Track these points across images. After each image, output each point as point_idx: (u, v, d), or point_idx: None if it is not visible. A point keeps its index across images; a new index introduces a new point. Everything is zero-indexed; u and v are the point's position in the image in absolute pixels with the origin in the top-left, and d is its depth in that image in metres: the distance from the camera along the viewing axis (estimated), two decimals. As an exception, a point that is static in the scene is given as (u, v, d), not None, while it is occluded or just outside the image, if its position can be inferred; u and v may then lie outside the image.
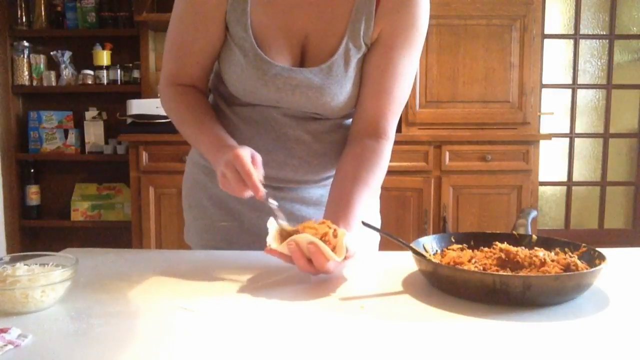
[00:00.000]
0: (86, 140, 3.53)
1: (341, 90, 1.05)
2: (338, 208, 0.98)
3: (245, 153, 0.92)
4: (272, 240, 0.86)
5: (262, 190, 0.90)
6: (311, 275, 0.89)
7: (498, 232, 0.97)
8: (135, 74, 3.47)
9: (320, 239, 0.84)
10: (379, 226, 1.25)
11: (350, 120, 1.13)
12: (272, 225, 0.89)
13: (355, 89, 1.07)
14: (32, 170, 3.59)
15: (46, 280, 0.75)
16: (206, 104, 1.10)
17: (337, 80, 1.04)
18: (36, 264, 0.81)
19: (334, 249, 0.84)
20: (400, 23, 1.03)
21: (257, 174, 0.91)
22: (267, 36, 1.03)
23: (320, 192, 1.14)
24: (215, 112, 1.11)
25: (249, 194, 0.92)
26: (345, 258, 0.87)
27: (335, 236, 0.86)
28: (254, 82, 1.04)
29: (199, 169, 1.19)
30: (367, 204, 1.02)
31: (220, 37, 1.05)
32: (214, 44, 1.06)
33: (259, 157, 0.94)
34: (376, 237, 1.21)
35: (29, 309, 0.74)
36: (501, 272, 0.84)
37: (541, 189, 3.93)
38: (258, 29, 1.03)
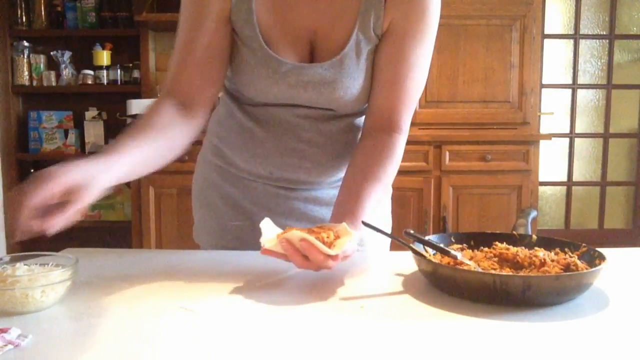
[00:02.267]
0: (86, 140, 3.53)
1: (354, 83, 1.04)
2: (347, 202, 0.97)
3: (60, 179, 0.74)
4: (265, 240, 0.85)
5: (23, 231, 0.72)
6: (311, 272, 0.88)
7: (498, 232, 0.97)
8: (135, 74, 3.48)
9: (317, 237, 0.82)
10: (390, 227, 1.24)
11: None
12: (267, 225, 0.88)
13: (368, 82, 1.06)
14: (32, 170, 3.59)
15: (46, 280, 0.75)
16: (161, 133, 0.97)
17: (349, 73, 1.03)
18: (36, 264, 0.81)
19: (330, 246, 0.82)
20: (411, 12, 1.01)
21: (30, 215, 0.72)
22: (274, 34, 1.02)
23: (334, 192, 1.12)
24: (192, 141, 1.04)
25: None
26: (343, 258, 0.85)
27: (337, 237, 0.85)
28: (264, 81, 1.03)
29: (210, 168, 1.18)
30: (378, 198, 1.00)
31: (223, 37, 1.03)
32: (217, 45, 1.03)
33: (82, 194, 0.76)
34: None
35: (29, 309, 0.74)
36: (501, 272, 0.84)
37: (541, 189, 3.93)
38: (265, 27, 1.02)
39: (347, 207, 0.96)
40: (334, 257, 0.82)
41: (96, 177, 0.78)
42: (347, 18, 1.02)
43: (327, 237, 0.83)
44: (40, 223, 0.72)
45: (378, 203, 1.01)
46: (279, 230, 0.87)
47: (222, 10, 1.02)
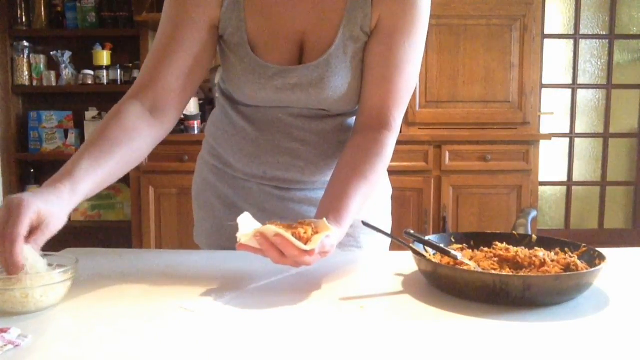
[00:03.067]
0: (86, 140, 3.53)
1: (342, 83, 1.03)
2: (332, 199, 0.96)
3: (34, 207, 0.75)
4: (241, 235, 0.82)
5: (19, 265, 0.72)
6: (311, 272, 0.88)
7: (498, 232, 0.97)
8: (135, 74, 3.47)
9: (293, 232, 0.81)
10: (389, 227, 1.24)
11: None
12: (246, 220, 0.85)
13: (359, 81, 1.05)
14: (32, 170, 3.59)
15: (46, 280, 0.75)
16: (125, 146, 0.94)
17: (336, 72, 1.02)
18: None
19: (307, 241, 0.81)
20: (399, 7, 1.00)
21: (23, 244, 0.74)
22: (263, 39, 1.02)
23: None
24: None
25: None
26: (322, 254, 0.83)
27: (315, 232, 0.83)
28: (252, 86, 1.03)
29: (208, 168, 1.18)
30: (364, 195, 0.99)
31: (204, 43, 1.02)
32: (197, 49, 1.01)
33: (51, 225, 0.78)
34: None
35: (29, 309, 0.74)
36: (501, 272, 0.84)
37: (541, 189, 3.93)
38: (254, 33, 1.02)
39: (331, 204, 0.94)
40: (310, 253, 0.80)
41: (60, 213, 0.80)
42: (333, 17, 1.01)
43: (305, 233, 0.82)
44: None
45: (365, 200, 0.99)
46: (258, 226, 0.84)
47: (211, 18, 1.01)
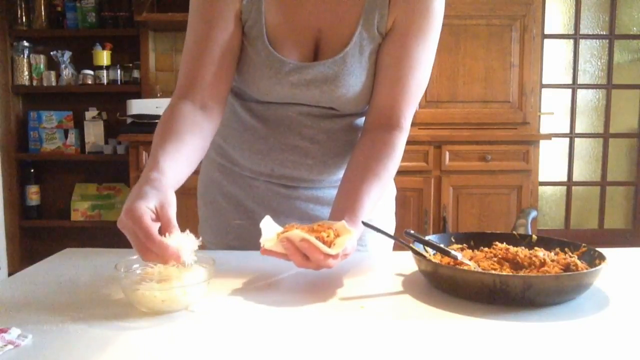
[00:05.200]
0: (86, 140, 3.54)
1: (356, 82, 1.04)
2: (346, 199, 0.97)
3: (143, 207, 0.78)
4: (265, 240, 0.84)
5: (176, 253, 0.76)
6: (311, 272, 0.88)
7: (498, 232, 0.97)
8: (135, 74, 3.48)
9: (317, 236, 0.82)
10: (393, 228, 1.24)
11: None
12: (268, 225, 0.87)
13: (371, 80, 1.06)
14: (32, 170, 3.59)
15: (191, 279, 0.75)
16: (188, 135, 0.97)
17: (352, 71, 1.03)
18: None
19: (330, 245, 0.82)
20: (414, 11, 1.02)
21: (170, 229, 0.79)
22: (280, 33, 1.03)
23: (335, 192, 1.13)
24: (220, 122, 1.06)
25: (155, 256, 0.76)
26: (343, 256, 0.85)
27: (337, 235, 0.84)
28: (267, 80, 1.04)
29: (214, 167, 1.18)
30: (377, 195, 1.00)
31: (235, 37, 1.04)
32: (231, 43, 1.03)
33: (170, 208, 0.82)
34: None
35: (175, 308, 0.75)
36: (501, 272, 0.84)
37: (541, 189, 3.92)
38: (271, 27, 1.03)
39: (346, 204, 0.96)
40: (334, 256, 0.82)
41: (168, 197, 0.85)
42: (351, 16, 1.02)
43: (327, 236, 0.83)
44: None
45: (378, 200, 1.01)
46: (279, 229, 0.86)
47: (235, 11, 1.03)
